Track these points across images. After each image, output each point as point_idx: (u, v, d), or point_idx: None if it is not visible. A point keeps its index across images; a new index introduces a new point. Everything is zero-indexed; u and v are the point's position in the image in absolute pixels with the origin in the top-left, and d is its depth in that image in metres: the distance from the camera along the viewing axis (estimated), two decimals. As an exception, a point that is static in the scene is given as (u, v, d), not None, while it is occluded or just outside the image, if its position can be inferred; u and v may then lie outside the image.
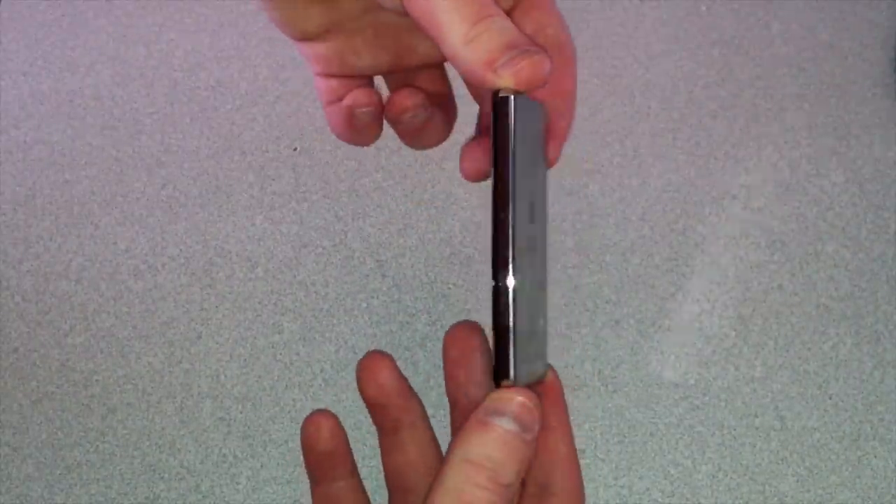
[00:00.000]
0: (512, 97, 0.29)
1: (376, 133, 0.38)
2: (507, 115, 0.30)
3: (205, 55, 0.77)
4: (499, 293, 0.30)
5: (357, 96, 0.37)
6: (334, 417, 0.37)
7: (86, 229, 0.71)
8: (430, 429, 0.37)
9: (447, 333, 0.35)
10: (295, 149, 0.73)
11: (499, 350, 0.30)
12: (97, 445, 0.65)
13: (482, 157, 0.36)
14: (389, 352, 0.38)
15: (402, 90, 0.37)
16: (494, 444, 0.30)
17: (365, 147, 0.40)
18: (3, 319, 0.68)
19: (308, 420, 0.37)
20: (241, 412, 0.66)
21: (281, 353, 0.67)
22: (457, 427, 0.36)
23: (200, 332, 0.68)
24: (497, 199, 0.30)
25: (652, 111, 0.75)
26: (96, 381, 0.67)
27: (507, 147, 0.30)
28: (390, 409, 0.36)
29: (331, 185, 0.72)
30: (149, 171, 0.73)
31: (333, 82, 0.38)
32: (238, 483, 0.64)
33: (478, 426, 0.30)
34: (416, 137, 0.38)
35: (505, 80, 0.29)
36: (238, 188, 0.72)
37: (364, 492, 0.38)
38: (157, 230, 0.71)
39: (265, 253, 0.70)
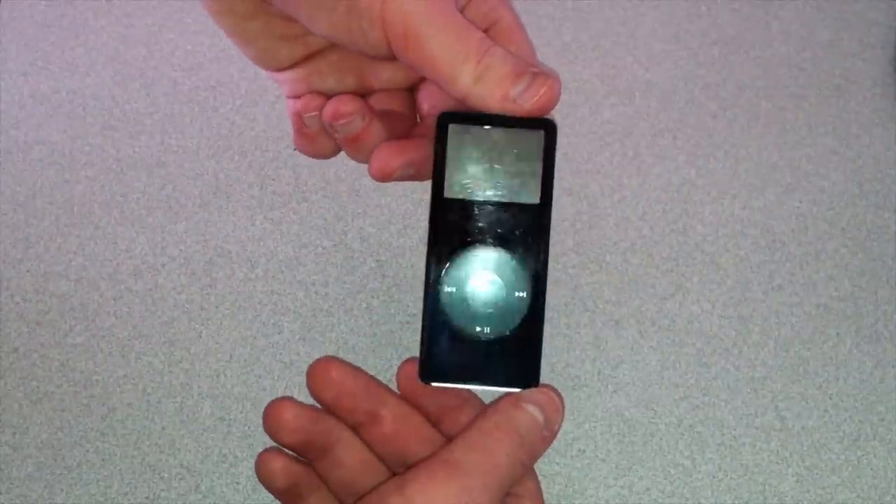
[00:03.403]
0: (554, 123, 0.32)
1: (331, 142, 0.39)
2: (553, 141, 0.32)
3: (205, 55, 0.77)
4: (535, 313, 0.33)
5: (306, 101, 0.38)
6: (283, 454, 0.37)
7: (86, 229, 0.71)
8: (355, 434, 0.37)
9: (309, 384, 0.37)
10: (295, 149, 0.73)
11: (527, 358, 0.32)
12: (97, 445, 0.65)
13: (393, 157, 0.37)
14: (389, 352, 0.38)
15: (340, 96, 0.37)
16: (524, 423, 0.32)
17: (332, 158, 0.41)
18: (3, 319, 0.68)
19: (259, 462, 0.37)
20: (241, 412, 0.66)
21: (281, 353, 0.67)
22: (376, 443, 0.36)
23: (200, 332, 0.68)
24: (540, 223, 0.33)
25: (652, 111, 0.75)
26: (96, 381, 0.67)
27: (553, 172, 0.33)
28: (315, 438, 0.36)
29: (331, 185, 0.72)
30: (149, 171, 0.73)
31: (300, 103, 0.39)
32: (238, 483, 0.64)
33: (513, 406, 0.32)
34: (355, 147, 0.38)
35: (527, 110, 0.31)
36: (238, 188, 0.72)
37: (334, 498, 0.38)
38: (157, 230, 0.71)
39: (265, 253, 0.70)
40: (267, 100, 0.75)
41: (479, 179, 0.34)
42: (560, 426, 0.33)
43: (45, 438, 0.65)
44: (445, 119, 0.33)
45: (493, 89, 0.31)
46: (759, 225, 0.71)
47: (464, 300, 0.34)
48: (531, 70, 0.31)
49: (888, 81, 0.75)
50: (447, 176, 0.34)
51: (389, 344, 0.67)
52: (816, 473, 0.64)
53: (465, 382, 0.34)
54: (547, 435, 0.33)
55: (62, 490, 0.64)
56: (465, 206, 0.35)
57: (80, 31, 0.78)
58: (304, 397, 0.69)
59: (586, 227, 0.71)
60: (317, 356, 0.71)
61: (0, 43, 0.78)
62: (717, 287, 0.69)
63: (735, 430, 0.65)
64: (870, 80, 0.76)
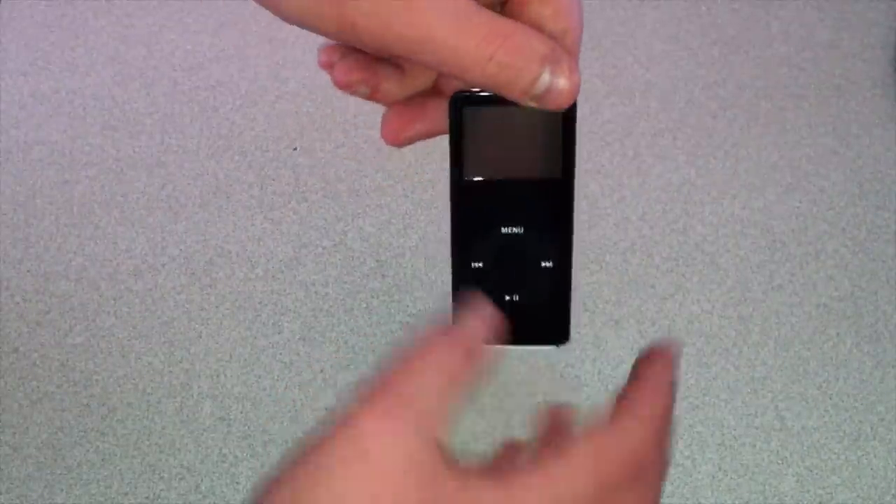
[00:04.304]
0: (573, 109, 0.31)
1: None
2: (573, 114, 0.31)
3: (205, 55, 0.77)
4: (562, 279, 0.33)
5: (325, 54, 0.36)
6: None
7: (86, 229, 0.71)
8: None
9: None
10: (295, 149, 0.73)
11: (557, 318, 0.34)
12: (97, 445, 0.65)
13: (403, 127, 0.36)
14: (389, 352, 0.38)
15: (344, 63, 0.35)
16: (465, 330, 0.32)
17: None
18: (3, 319, 0.68)
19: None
20: (241, 412, 0.66)
21: (281, 353, 0.67)
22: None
23: (200, 332, 0.68)
24: (564, 197, 0.32)
25: (652, 111, 0.75)
26: (96, 381, 0.67)
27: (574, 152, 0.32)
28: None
29: (331, 185, 0.72)
30: (149, 171, 0.73)
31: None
32: (238, 483, 0.64)
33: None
34: (372, 99, 0.37)
35: (550, 108, 0.30)
36: (238, 188, 0.72)
37: None
38: (157, 230, 0.71)
39: (265, 253, 0.70)
40: (267, 100, 0.75)
41: (497, 158, 0.33)
42: (483, 359, 0.34)
43: (45, 438, 0.65)
44: (459, 101, 0.32)
45: (510, 89, 0.30)
46: (759, 225, 0.71)
47: (491, 273, 0.34)
48: (550, 60, 0.29)
49: (888, 81, 0.75)
50: (465, 158, 0.33)
51: (389, 344, 0.67)
52: (816, 473, 0.64)
53: (498, 343, 0.34)
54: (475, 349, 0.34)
55: (62, 490, 0.64)
56: (486, 187, 0.34)
57: (80, 31, 0.78)
58: (305, 397, 0.69)
59: (586, 227, 0.71)
60: (317, 356, 0.72)
61: (0, 43, 0.78)
62: (717, 287, 0.69)
63: (735, 430, 0.65)
64: (870, 80, 0.76)
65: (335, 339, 0.68)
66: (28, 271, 0.70)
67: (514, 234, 0.34)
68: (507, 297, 0.34)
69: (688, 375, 0.66)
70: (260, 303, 0.69)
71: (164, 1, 0.79)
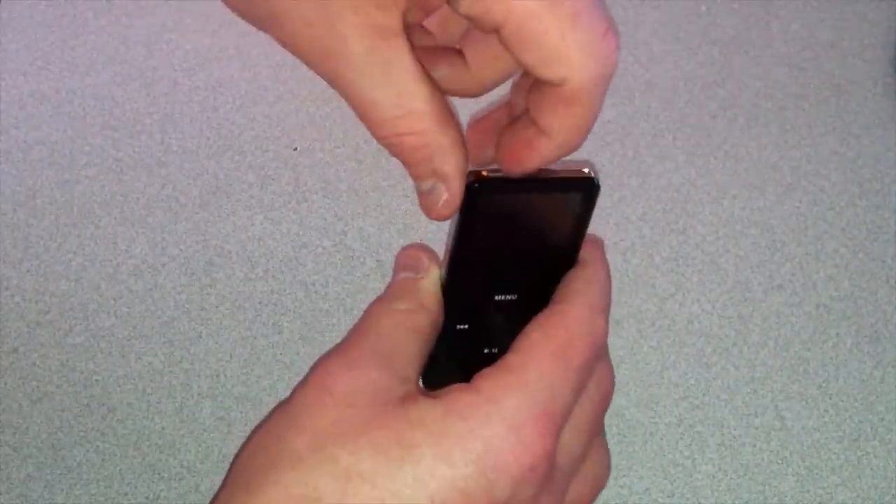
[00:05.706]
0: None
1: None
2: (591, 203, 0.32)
3: (205, 55, 0.77)
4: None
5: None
6: None
7: (86, 229, 0.71)
8: None
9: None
10: (295, 149, 0.73)
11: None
12: (97, 445, 0.65)
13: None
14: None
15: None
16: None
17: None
18: (3, 319, 0.68)
19: None
20: (241, 412, 0.66)
21: (281, 353, 0.67)
22: None
23: (200, 332, 0.68)
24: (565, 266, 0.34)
25: (652, 111, 0.75)
26: (96, 381, 0.67)
27: None
28: None
29: (331, 185, 0.72)
30: (149, 171, 0.73)
31: None
32: (238, 483, 0.64)
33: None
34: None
35: (420, 205, 0.31)
36: (238, 188, 0.72)
37: None
38: (157, 230, 0.71)
39: (265, 253, 0.70)
40: (267, 100, 0.75)
41: (502, 242, 0.33)
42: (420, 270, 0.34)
43: (45, 438, 0.65)
44: (477, 186, 0.31)
45: (404, 165, 0.30)
46: (759, 225, 0.71)
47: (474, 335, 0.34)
48: (439, 176, 0.29)
49: (888, 81, 0.75)
50: (469, 241, 0.32)
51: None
52: (816, 473, 0.64)
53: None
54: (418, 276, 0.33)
55: (62, 490, 0.64)
56: (485, 269, 0.34)
57: (80, 31, 0.78)
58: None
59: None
60: (317, 356, 0.71)
61: (0, 43, 0.78)
62: (717, 287, 0.69)
63: (735, 430, 0.65)
64: (870, 80, 0.76)
65: (335, 339, 0.67)
66: (28, 271, 0.70)
67: (507, 300, 0.33)
68: (486, 350, 0.33)
69: (688, 375, 0.66)
70: (260, 303, 0.69)
71: (164, 1, 0.79)
